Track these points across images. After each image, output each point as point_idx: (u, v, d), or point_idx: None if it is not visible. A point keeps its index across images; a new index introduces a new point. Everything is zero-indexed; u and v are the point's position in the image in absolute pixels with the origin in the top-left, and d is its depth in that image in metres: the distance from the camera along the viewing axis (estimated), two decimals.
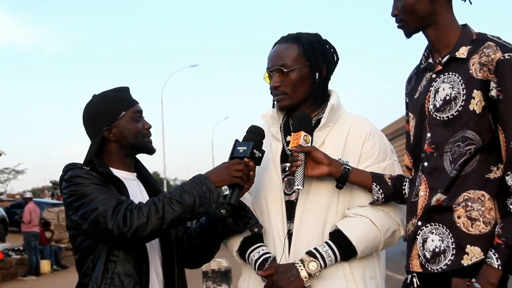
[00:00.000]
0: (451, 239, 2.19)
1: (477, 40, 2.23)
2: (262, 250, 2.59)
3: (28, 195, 19.26)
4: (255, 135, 2.53)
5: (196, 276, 3.73)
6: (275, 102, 2.69)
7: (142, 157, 2.76)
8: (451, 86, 2.22)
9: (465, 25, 2.31)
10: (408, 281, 2.34)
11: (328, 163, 2.46)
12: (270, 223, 2.61)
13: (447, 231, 2.20)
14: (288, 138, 2.63)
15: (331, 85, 2.71)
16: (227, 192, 2.49)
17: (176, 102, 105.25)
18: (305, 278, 2.45)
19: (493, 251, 2.10)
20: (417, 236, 2.28)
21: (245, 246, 2.63)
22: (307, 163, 2.47)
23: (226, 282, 3.54)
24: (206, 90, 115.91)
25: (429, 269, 2.23)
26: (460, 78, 2.21)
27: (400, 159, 2.50)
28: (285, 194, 2.61)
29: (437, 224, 2.23)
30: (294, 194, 2.59)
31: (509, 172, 2.13)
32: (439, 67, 2.28)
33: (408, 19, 2.30)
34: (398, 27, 2.34)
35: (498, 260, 2.08)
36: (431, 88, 2.29)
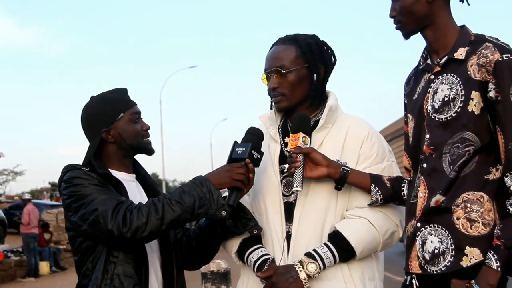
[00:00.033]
0: (450, 241, 2.19)
1: (475, 41, 2.22)
2: (261, 251, 2.59)
3: (27, 196, 19.26)
4: (253, 136, 2.53)
5: (195, 278, 3.73)
6: (273, 104, 2.69)
7: (140, 158, 2.76)
8: (450, 87, 2.22)
9: (463, 26, 2.31)
10: (407, 283, 2.34)
11: (326, 165, 2.46)
12: (269, 225, 2.61)
13: (446, 232, 2.20)
14: (286, 139, 2.63)
15: (329, 86, 2.71)
16: (226, 194, 2.49)
17: (174, 103, 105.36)
18: (304, 279, 2.45)
19: (492, 252, 2.10)
20: (416, 238, 2.28)
21: (243, 247, 2.63)
22: (306, 165, 2.47)
23: (225, 284, 3.54)
24: (204, 91, 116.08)
25: (428, 270, 2.23)
26: (458, 79, 2.21)
27: (399, 160, 2.50)
28: (284, 195, 2.61)
29: (436, 225, 2.23)
30: (292, 195, 2.59)
31: (508, 173, 2.13)
32: (438, 68, 2.28)
33: (406, 21, 2.30)
34: (396, 28, 2.34)
35: (497, 261, 2.08)
36: (429, 89, 2.29)
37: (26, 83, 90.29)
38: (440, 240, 2.21)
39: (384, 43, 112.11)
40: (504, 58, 2.13)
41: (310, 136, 2.53)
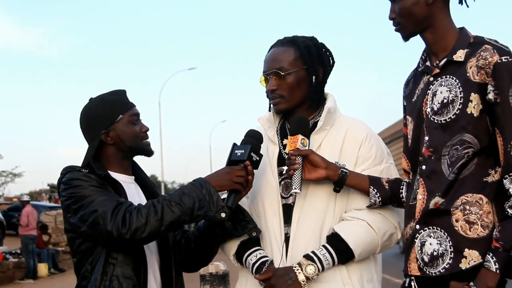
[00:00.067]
0: (449, 243, 2.19)
1: (475, 43, 2.22)
2: (260, 253, 2.59)
3: (26, 198, 19.24)
4: (253, 138, 2.53)
5: (194, 280, 3.72)
6: (272, 106, 2.69)
7: (139, 160, 2.76)
8: (449, 89, 2.22)
9: (462, 28, 2.31)
10: (406, 285, 2.34)
11: (325, 167, 2.46)
12: (267, 227, 2.61)
13: (445, 234, 2.20)
14: (285, 141, 2.63)
15: (327, 88, 2.72)
16: (224, 196, 2.49)
17: (173, 105, 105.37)
18: (303, 281, 2.45)
19: (491, 254, 2.10)
20: (415, 240, 2.28)
21: (242, 249, 2.63)
22: (305, 167, 2.47)
23: (223, 286, 3.53)
24: (203, 93, 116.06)
25: (427, 272, 2.23)
26: (457, 81, 2.21)
27: (398, 163, 2.50)
28: (282, 197, 2.60)
29: (435, 227, 2.23)
30: (291, 197, 2.59)
31: (507, 176, 2.12)
32: (437, 70, 2.28)
33: (406, 23, 2.30)
34: (396, 30, 2.34)
35: (496, 263, 2.08)
36: (428, 91, 2.29)
37: (25, 84, 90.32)
38: (439, 242, 2.21)
39: (383, 45, 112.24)
40: (503, 60, 2.13)
41: (308, 138, 2.53)
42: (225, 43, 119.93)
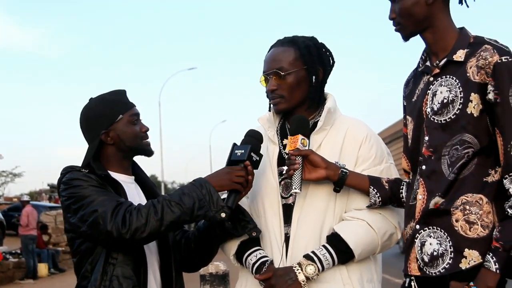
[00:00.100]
0: (449, 243, 2.19)
1: (475, 43, 2.22)
2: (260, 253, 2.59)
3: (26, 198, 19.24)
4: (253, 138, 2.53)
5: (194, 280, 3.72)
6: (272, 106, 2.68)
7: (139, 160, 2.76)
8: (449, 89, 2.22)
9: (462, 28, 2.31)
10: (406, 285, 2.34)
11: (325, 167, 2.46)
12: (267, 227, 2.61)
13: (445, 234, 2.20)
14: (285, 141, 2.63)
15: (327, 87, 2.72)
16: (224, 196, 2.49)
17: (173, 105, 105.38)
18: (303, 281, 2.45)
19: (491, 254, 2.10)
20: (415, 240, 2.27)
21: (242, 249, 2.63)
22: (305, 167, 2.47)
23: (223, 286, 3.53)
24: (203, 93, 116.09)
25: (427, 272, 2.23)
26: (457, 81, 2.21)
27: (398, 163, 2.50)
28: (282, 197, 2.60)
29: (435, 227, 2.23)
30: (291, 197, 2.59)
31: (507, 176, 2.12)
32: (437, 70, 2.28)
33: (406, 22, 2.30)
34: (396, 30, 2.34)
35: (496, 263, 2.08)
36: (428, 91, 2.29)
37: (25, 84, 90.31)
38: (439, 242, 2.21)
39: (383, 44, 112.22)
40: (503, 60, 2.13)
41: (308, 138, 2.53)
42: (225, 43, 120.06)
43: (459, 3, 2.33)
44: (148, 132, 2.66)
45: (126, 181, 2.62)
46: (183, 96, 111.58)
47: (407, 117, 2.41)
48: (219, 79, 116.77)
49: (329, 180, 2.49)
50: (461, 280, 2.14)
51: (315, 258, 2.47)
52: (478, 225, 2.16)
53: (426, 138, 2.27)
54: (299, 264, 2.47)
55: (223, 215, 2.39)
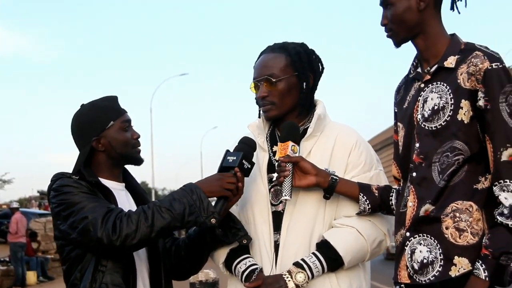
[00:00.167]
0: (439, 250, 2.19)
1: (465, 49, 2.23)
2: (249, 261, 2.58)
3: (15, 205, 19.17)
4: (246, 146, 2.53)
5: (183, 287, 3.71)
6: (262, 112, 2.68)
7: (130, 167, 2.75)
8: (439, 95, 2.23)
9: (453, 35, 2.32)
10: None
11: (315, 173, 2.47)
12: (257, 234, 2.60)
13: (435, 242, 2.20)
14: (274, 148, 2.63)
15: (317, 94, 2.72)
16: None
17: (165, 111, 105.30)
18: None
19: (481, 262, 2.10)
20: (405, 247, 2.28)
21: (231, 257, 2.62)
22: (295, 173, 2.47)
23: None
24: (195, 99, 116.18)
25: (417, 280, 2.23)
26: (448, 87, 2.21)
27: (389, 169, 2.51)
28: (272, 204, 2.60)
29: (425, 235, 2.23)
30: (280, 204, 2.58)
31: (496, 183, 2.13)
32: (428, 77, 2.29)
33: (397, 29, 2.31)
34: (388, 36, 2.35)
35: (485, 271, 2.08)
36: (419, 97, 2.29)
37: (15, 89, 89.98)
38: (429, 249, 2.21)
39: (374, 51, 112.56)
40: (494, 66, 2.14)
41: (299, 145, 2.53)
42: (217, 49, 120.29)
43: (451, 9, 2.34)
44: (139, 139, 2.66)
45: (116, 188, 2.61)
46: (175, 102, 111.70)
47: (398, 123, 2.42)
48: (211, 85, 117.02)
49: (319, 187, 2.49)
50: (451, 287, 2.15)
51: (305, 266, 2.47)
52: (468, 232, 2.16)
53: (417, 145, 2.27)
54: (289, 272, 2.47)
55: (213, 221, 2.38)
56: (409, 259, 2.26)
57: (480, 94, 2.14)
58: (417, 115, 2.28)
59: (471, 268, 2.13)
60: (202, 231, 2.60)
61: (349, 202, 2.54)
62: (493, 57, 2.17)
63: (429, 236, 2.22)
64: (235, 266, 2.61)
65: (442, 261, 2.18)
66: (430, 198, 2.21)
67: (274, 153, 2.62)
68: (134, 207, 2.60)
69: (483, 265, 2.09)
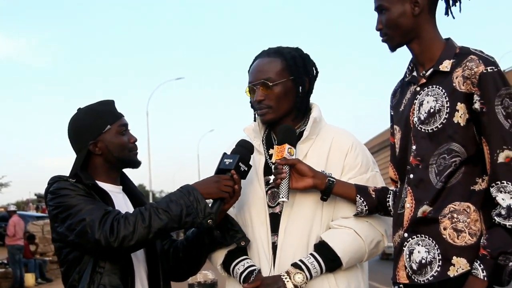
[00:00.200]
0: (437, 251, 2.19)
1: (460, 53, 2.24)
2: (247, 263, 2.59)
3: (12, 208, 19.09)
4: (243, 148, 2.53)
5: None
6: (258, 116, 2.69)
7: (127, 169, 2.75)
8: (435, 99, 2.24)
9: (448, 39, 2.33)
10: None
11: (312, 175, 2.47)
12: (255, 236, 2.61)
13: (433, 242, 2.21)
14: (271, 151, 2.64)
15: (313, 97, 2.73)
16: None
17: (161, 115, 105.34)
18: None
19: (479, 262, 2.11)
20: (404, 248, 2.28)
21: (229, 259, 2.63)
22: (292, 176, 2.48)
23: None
24: (191, 102, 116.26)
25: (416, 280, 2.24)
26: (443, 91, 2.22)
27: (385, 171, 2.51)
28: (269, 206, 2.61)
29: (423, 235, 2.23)
30: (278, 206, 2.59)
31: (493, 184, 2.14)
32: (423, 80, 2.30)
33: (392, 33, 2.31)
34: (383, 41, 2.35)
35: (484, 271, 2.09)
36: (415, 101, 2.30)
37: (12, 94, 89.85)
38: (427, 250, 2.21)
39: (371, 54, 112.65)
40: (489, 70, 2.15)
41: (295, 147, 2.53)
42: (213, 53, 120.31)
43: (445, 14, 2.35)
44: (136, 142, 2.66)
45: (113, 191, 2.62)
46: (171, 106, 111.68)
47: (395, 126, 2.43)
48: (207, 88, 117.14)
49: (316, 189, 2.50)
50: (449, 287, 2.15)
51: (303, 267, 2.47)
52: (466, 233, 2.17)
53: (414, 147, 2.28)
54: (288, 273, 2.47)
55: (210, 222, 2.39)
56: (408, 259, 2.26)
57: (476, 97, 2.15)
58: (413, 118, 2.29)
59: (469, 268, 2.14)
60: (200, 233, 2.60)
61: (346, 204, 2.55)
62: (488, 61, 2.18)
63: (427, 236, 2.22)
64: (233, 268, 2.61)
65: (440, 261, 2.19)
66: (427, 200, 2.22)
67: (271, 156, 2.63)
68: (131, 210, 2.60)
69: (481, 265, 2.10)
